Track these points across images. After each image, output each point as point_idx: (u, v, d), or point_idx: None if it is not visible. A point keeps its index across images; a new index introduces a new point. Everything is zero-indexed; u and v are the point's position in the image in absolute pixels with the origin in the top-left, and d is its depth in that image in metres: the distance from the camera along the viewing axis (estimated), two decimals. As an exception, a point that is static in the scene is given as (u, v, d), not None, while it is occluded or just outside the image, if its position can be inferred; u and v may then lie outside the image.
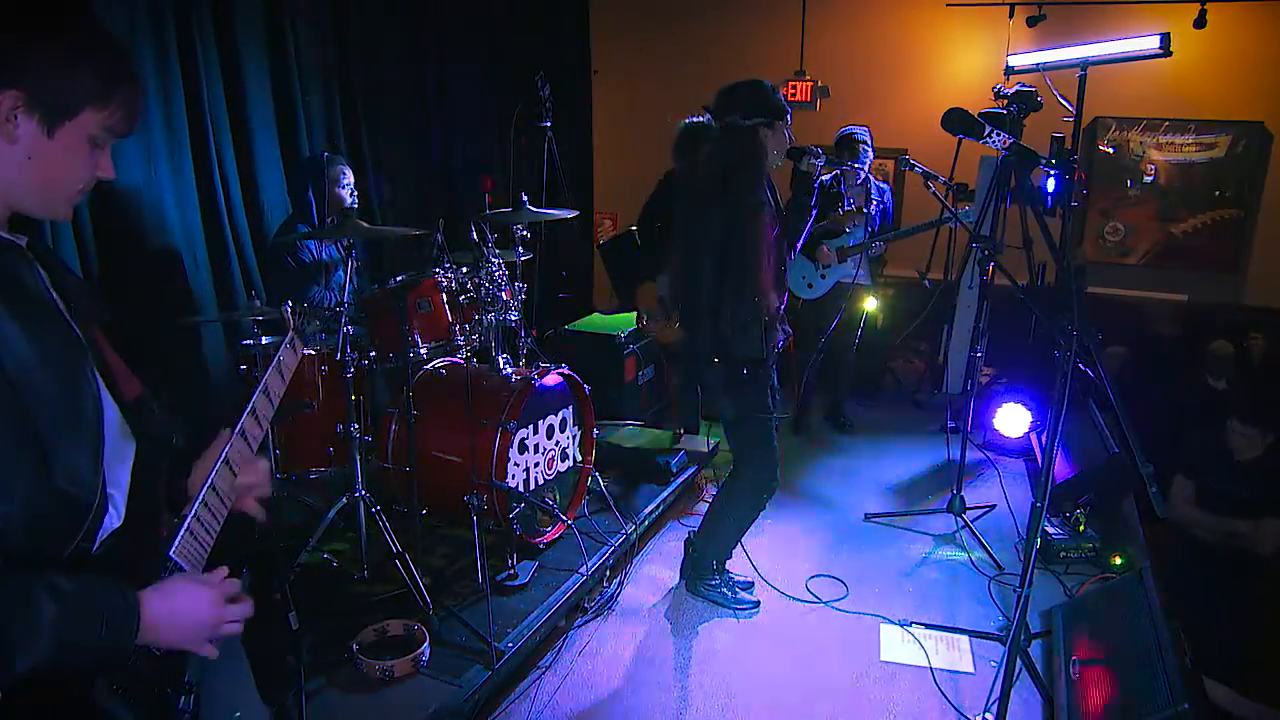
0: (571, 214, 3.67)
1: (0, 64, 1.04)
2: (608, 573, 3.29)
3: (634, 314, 4.41)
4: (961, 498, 3.85)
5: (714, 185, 2.79)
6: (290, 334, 1.52)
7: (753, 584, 3.35)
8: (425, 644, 2.57)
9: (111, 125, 1.12)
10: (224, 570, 1.22)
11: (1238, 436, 3.30)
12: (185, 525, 1.21)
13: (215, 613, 1.17)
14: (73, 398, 1.11)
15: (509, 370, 3.23)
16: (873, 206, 4.70)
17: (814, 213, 3.31)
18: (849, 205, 4.63)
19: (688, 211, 2.89)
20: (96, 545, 1.13)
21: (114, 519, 1.17)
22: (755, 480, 3.06)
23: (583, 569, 3.09)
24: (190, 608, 1.15)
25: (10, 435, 1.02)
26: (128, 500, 1.20)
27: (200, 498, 1.23)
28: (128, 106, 1.14)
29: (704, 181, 2.83)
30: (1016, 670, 2.36)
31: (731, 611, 3.18)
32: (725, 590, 3.22)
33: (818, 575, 3.45)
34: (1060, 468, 4.09)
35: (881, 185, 4.89)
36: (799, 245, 3.15)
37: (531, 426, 3.18)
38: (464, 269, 3.21)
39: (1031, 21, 5.31)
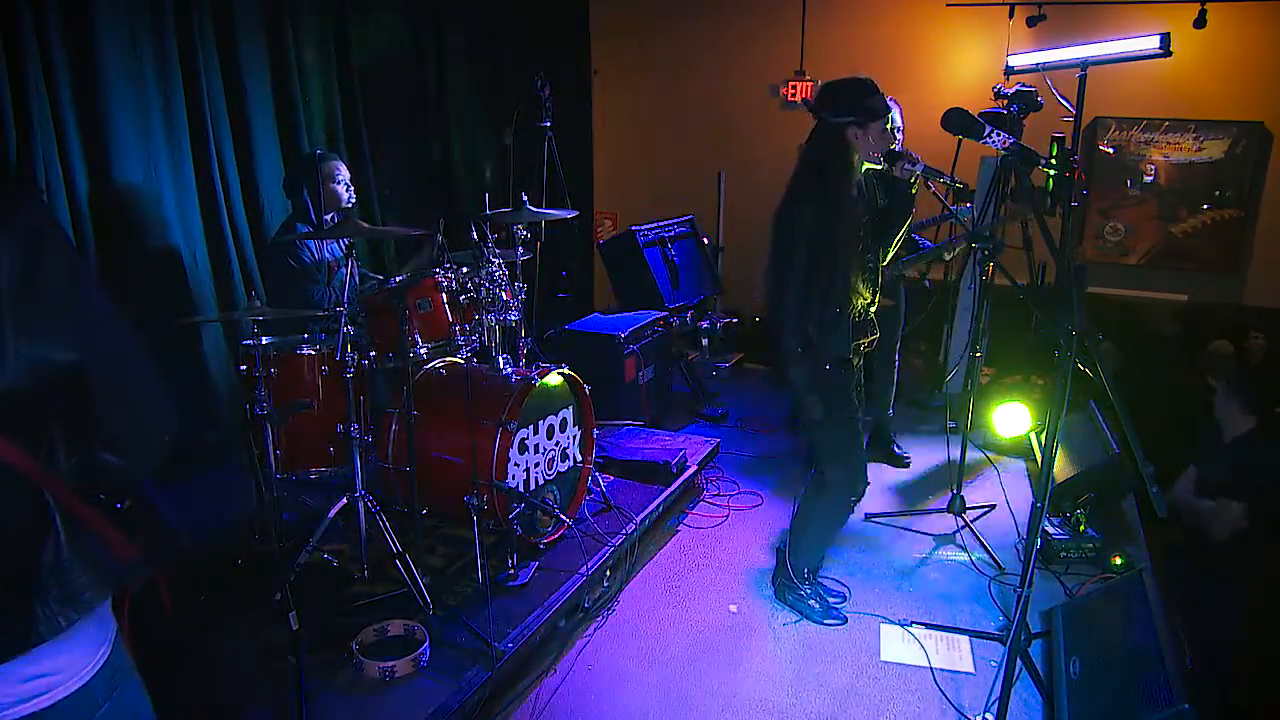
0: (571, 214, 3.67)
1: None
2: (608, 573, 3.29)
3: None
4: (961, 498, 3.85)
5: (804, 180, 2.77)
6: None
7: (845, 596, 3.28)
8: (425, 644, 2.57)
9: None
10: None
11: (1224, 402, 3.31)
12: None
13: None
14: None
15: (509, 370, 3.23)
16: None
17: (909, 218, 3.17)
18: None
19: (780, 208, 2.84)
20: None
21: None
22: (841, 482, 2.99)
23: (583, 569, 3.09)
24: None
25: None
26: None
27: None
28: None
29: (795, 177, 2.81)
30: (1016, 670, 2.36)
31: (820, 624, 3.10)
32: (814, 602, 3.14)
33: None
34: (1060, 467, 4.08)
35: None
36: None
37: (531, 426, 3.18)
38: (464, 269, 3.21)
39: (1031, 21, 5.30)
